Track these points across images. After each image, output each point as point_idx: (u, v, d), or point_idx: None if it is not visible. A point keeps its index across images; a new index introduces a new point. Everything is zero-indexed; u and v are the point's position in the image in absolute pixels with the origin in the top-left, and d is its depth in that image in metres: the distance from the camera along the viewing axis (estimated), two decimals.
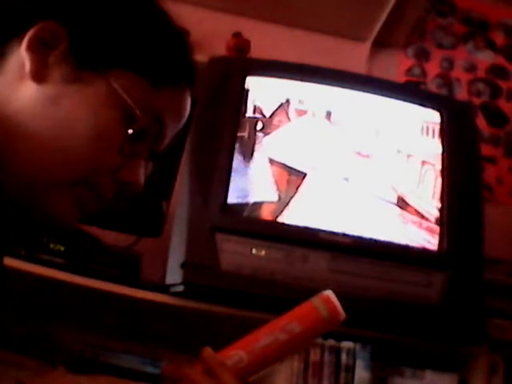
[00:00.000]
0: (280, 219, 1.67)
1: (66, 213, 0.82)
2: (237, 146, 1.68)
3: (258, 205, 1.68)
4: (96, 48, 0.81)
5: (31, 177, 0.79)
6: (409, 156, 1.79)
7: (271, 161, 1.71)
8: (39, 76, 0.79)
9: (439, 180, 1.75)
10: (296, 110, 1.77)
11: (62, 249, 1.65)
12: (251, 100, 1.74)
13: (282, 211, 1.67)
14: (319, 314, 0.92)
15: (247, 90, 1.74)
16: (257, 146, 1.71)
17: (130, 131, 0.81)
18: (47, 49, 0.79)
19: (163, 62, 0.84)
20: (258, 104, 1.75)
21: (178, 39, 0.87)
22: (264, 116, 1.74)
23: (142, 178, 0.85)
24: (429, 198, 1.76)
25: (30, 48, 0.79)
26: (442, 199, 1.76)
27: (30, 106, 0.78)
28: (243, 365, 0.90)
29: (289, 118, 1.76)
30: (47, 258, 1.63)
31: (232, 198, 1.63)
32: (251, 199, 1.66)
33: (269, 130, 1.73)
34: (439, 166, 1.78)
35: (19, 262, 1.54)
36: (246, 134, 1.70)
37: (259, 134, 1.72)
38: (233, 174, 1.62)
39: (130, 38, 0.82)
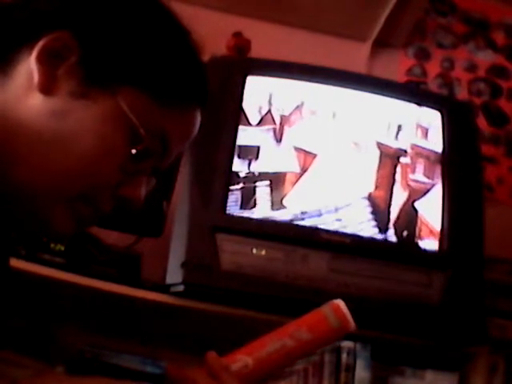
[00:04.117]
0: (296, 191, 1.71)
1: (64, 226, 0.82)
2: (271, 134, 1.74)
3: (283, 174, 1.72)
4: (106, 62, 0.80)
5: (31, 189, 0.78)
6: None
7: (295, 146, 1.75)
8: (47, 88, 0.78)
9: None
10: (309, 111, 1.78)
11: (63, 248, 1.65)
12: (275, 100, 1.77)
13: (299, 178, 1.72)
14: (328, 322, 0.92)
15: (271, 94, 1.77)
16: (284, 135, 1.75)
17: (134, 151, 0.80)
18: (57, 60, 0.78)
19: (174, 82, 0.83)
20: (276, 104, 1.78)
21: (192, 59, 0.86)
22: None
23: (142, 195, 0.84)
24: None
25: (39, 58, 0.78)
26: (442, 199, 1.77)
27: (35, 118, 0.78)
28: (248, 370, 0.89)
29: (301, 117, 1.78)
30: (47, 258, 1.63)
31: (262, 169, 1.73)
32: (280, 169, 1.74)
33: (289, 124, 1.77)
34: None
35: (19, 262, 1.54)
36: (277, 127, 1.75)
37: (285, 127, 1.76)
38: (266, 153, 1.75)
39: (141, 55, 0.81)
